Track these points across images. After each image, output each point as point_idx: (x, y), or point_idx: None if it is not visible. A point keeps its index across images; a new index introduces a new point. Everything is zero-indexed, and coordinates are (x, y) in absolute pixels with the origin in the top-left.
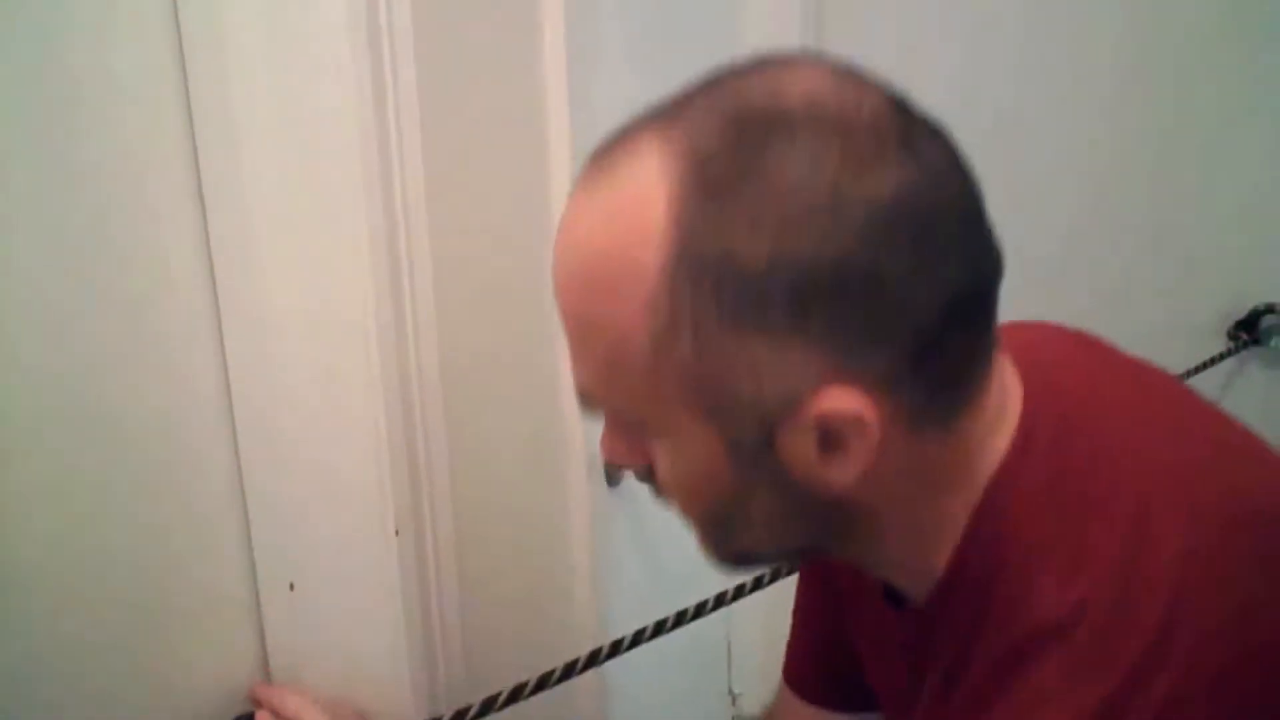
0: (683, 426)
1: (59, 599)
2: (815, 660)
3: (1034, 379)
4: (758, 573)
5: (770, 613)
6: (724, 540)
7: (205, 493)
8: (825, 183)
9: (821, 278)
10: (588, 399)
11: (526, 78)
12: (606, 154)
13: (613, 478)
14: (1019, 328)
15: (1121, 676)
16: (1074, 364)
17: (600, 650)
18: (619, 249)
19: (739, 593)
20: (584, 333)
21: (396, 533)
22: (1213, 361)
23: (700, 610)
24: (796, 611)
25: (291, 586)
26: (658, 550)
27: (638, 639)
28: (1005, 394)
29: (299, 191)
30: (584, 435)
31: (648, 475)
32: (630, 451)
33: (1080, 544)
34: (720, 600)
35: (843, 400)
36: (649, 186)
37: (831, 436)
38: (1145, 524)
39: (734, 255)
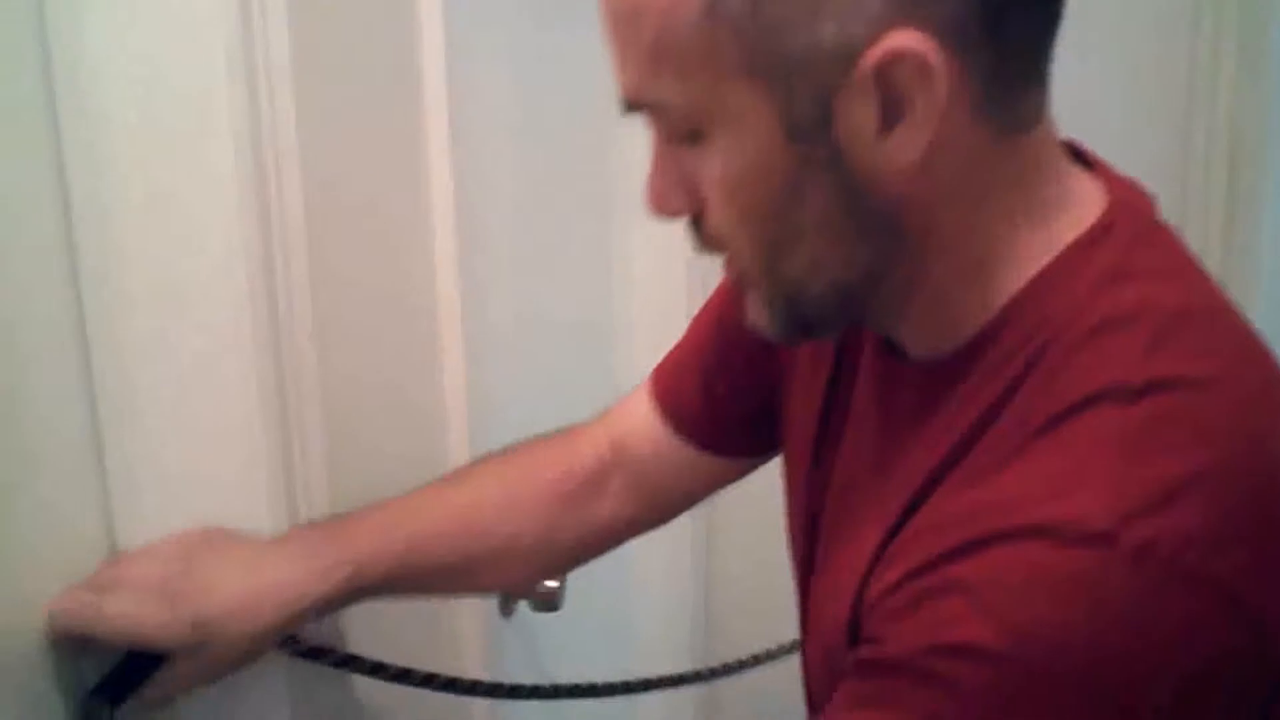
0: (739, 109)
1: None
2: (703, 395)
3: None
4: (810, 338)
5: None
6: (776, 266)
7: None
8: None
9: None
10: (637, 103)
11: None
12: None
13: (506, 609)
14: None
15: (1167, 475)
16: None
17: None
18: None
19: None
20: (629, 22)
21: None
22: None
23: None
24: (696, 346)
25: None
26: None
27: None
28: (1076, 179)
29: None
30: None
31: (698, 221)
32: (680, 189)
33: (1167, 330)
34: None
35: (906, 40)
36: None
37: (893, 100)
38: (1251, 347)
39: None
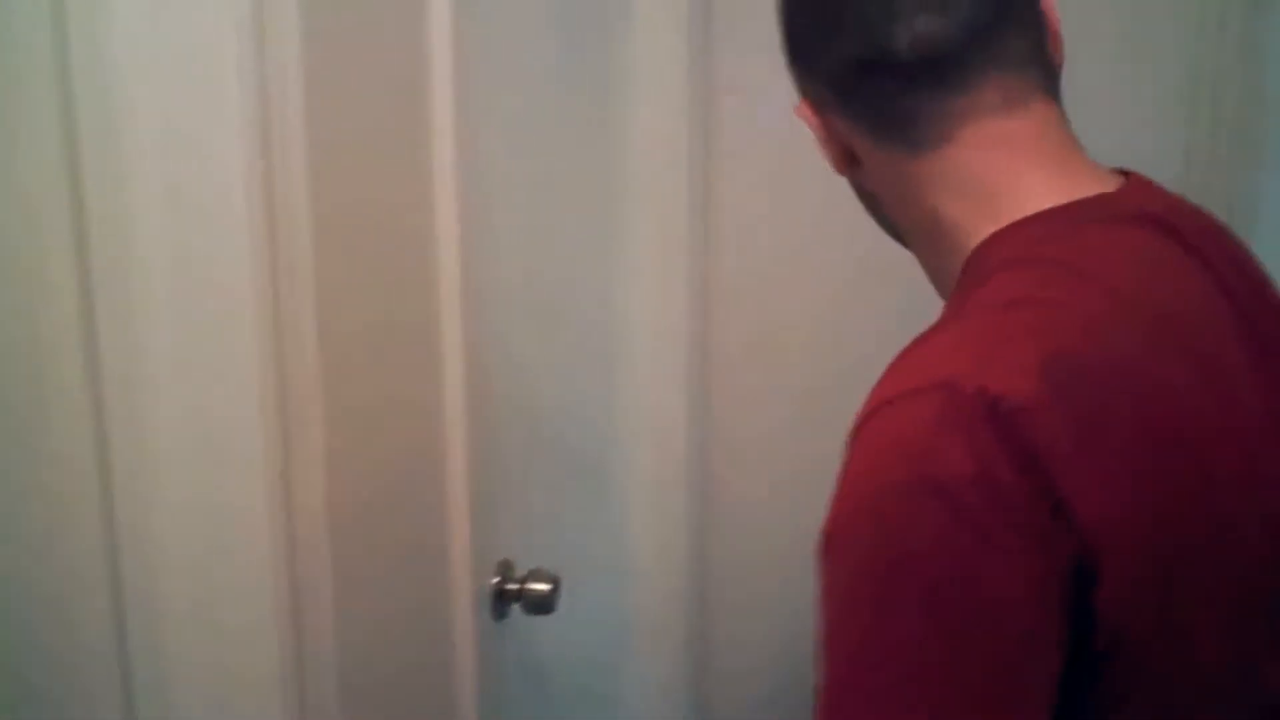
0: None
1: None
2: None
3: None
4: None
5: None
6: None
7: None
8: None
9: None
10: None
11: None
12: None
13: (498, 610)
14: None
15: (999, 352)
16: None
17: None
18: None
19: None
20: None
21: None
22: None
23: None
24: None
25: None
26: (546, 685)
27: None
28: (1028, 185)
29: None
30: (470, 570)
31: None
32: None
33: (1047, 274)
34: None
35: (800, 111)
36: None
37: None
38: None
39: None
